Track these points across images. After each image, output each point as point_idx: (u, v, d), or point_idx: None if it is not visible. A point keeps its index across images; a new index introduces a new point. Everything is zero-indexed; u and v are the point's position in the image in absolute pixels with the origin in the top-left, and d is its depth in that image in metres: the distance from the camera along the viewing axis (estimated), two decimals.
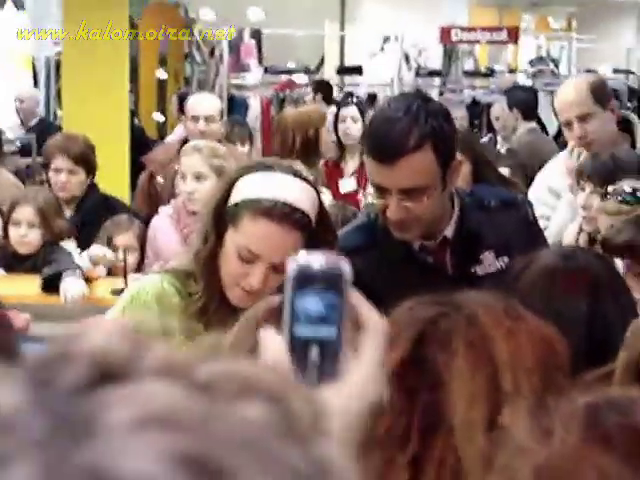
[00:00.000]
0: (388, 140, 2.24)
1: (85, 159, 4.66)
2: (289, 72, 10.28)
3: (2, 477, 0.33)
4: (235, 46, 9.65)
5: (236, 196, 2.12)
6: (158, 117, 12.61)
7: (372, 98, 9.71)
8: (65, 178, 4.59)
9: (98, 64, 6.49)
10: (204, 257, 2.12)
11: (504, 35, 9.61)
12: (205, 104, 5.20)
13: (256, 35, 9.73)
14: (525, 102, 7.38)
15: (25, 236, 4.11)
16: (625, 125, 4.45)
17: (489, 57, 13.55)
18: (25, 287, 3.97)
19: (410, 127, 2.23)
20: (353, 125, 5.60)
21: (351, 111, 5.71)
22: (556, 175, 3.72)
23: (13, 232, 4.11)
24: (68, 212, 4.64)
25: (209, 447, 0.34)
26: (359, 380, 0.86)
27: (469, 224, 2.43)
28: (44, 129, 8.09)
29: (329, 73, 10.78)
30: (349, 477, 0.37)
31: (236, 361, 0.38)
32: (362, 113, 5.85)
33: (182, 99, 9.80)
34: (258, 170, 2.15)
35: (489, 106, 9.50)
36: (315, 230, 2.12)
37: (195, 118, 5.09)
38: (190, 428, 0.34)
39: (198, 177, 4.09)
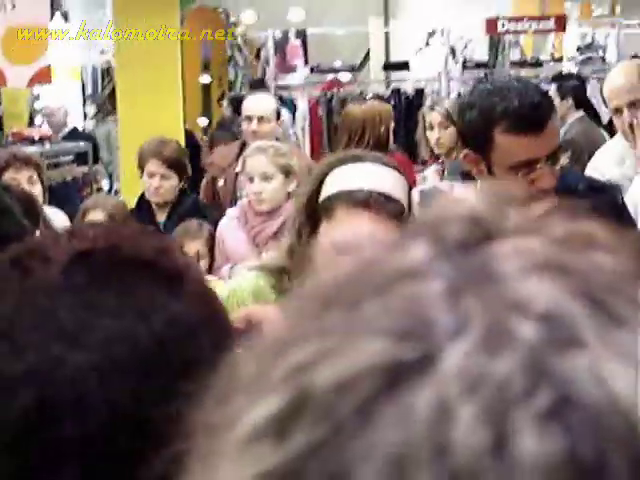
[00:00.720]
0: (532, 109, 2.26)
1: (178, 163, 4.61)
2: (335, 71, 10.27)
3: (436, 330, 0.38)
4: (281, 47, 9.65)
5: (328, 189, 2.11)
6: (202, 121, 12.68)
7: (419, 93, 9.67)
8: (158, 183, 4.55)
9: (150, 69, 6.52)
10: (299, 252, 2.12)
11: (551, 24, 9.53)
12: (258, 104, 5.19)
13: (301, 35, 9.73)
14: (575, 90, 7.30)
15: None
16: None
17: (533, 46, 13.44)
18: None
19: (539, 94, 2.32)
20: None
21: None
22: (612, 166, 3.62)
23: None
24: (162, 217, 4.62)
25: (597, 290, 0.39)
26: None
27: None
28: (77, 139, 8.19)
29: (375, 69, 10.75)
30: None
31: (575, 219, 0.43)
32: None
33: (234, 102, 9.89)
34: (348, 162, 2.14)
35: None
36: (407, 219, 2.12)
37: (249, 118, 5.11)
38: (572, 274, 0.39)
39: (265, 177, 4.10)
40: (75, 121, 9.75)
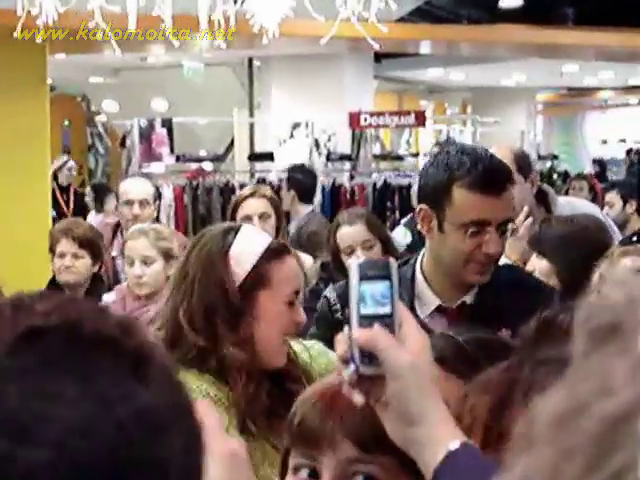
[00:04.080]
0: (496, 171, 2.32)
1: (90, 243, 4.49)
2: (201, 160, 10.32)
3: None
4: (146, 135, 9.65)
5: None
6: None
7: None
8: (69, 261, 4.42)
9: (19, 153, 6.42)
10: None
11: (412, 119, 9.86)
12: (139, 188, 5.22)
13: (167, 124, 9.76)
14: (300, 184, 7.16)
15: None
16: (540, 196, 4.48)
17: (391, 141, 13.87)
18: None
19: (502, 164, 2.39)
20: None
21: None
22: None
23: None
24: None
25: None
26: (416, 347, 1.24)
27: (493, 295, 2.37)
28: None
29: (240, 160, 10.84)
30: None
31: None
32: None
33: (96, 189, 9.79)
34: None
35: (400, 188, 9.71)
36: None
37: (129, 202, 5.09)
38: None
39: (145, 261, 4.06)
40: None
